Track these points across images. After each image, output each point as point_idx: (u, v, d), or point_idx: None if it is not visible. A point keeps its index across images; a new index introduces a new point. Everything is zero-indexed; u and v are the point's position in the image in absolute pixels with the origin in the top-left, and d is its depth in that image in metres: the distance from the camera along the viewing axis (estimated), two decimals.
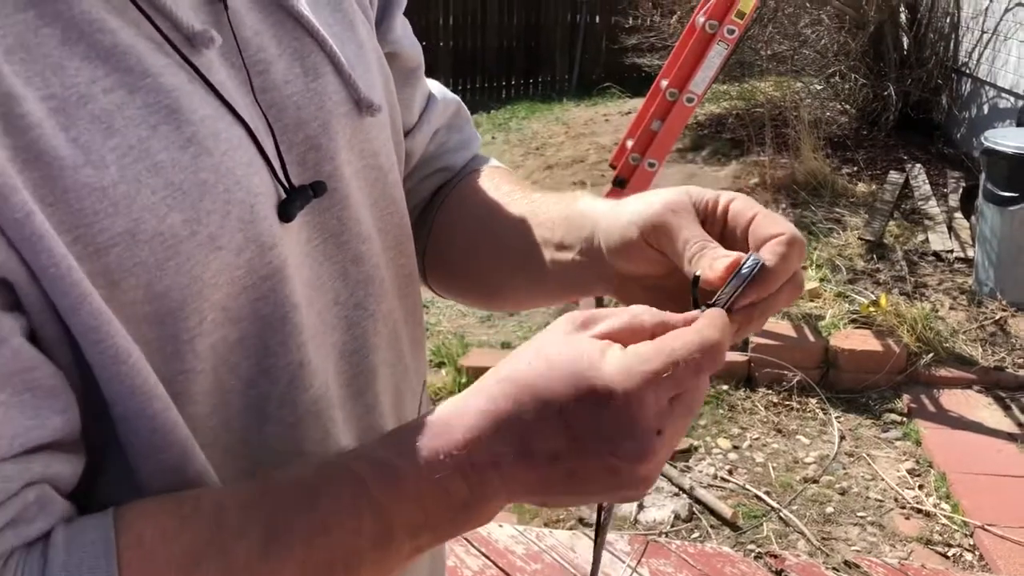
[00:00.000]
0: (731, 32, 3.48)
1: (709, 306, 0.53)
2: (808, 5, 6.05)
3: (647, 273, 0.62)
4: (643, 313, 0.50)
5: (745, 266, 0.53)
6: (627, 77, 8.08)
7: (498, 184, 0.81)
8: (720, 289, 0.53)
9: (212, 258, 0.50)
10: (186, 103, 0.50)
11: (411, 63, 0.78)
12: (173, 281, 0.49)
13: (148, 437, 0.48)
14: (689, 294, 0.55)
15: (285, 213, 0.55)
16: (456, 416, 0.49)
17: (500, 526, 1.99)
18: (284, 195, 0.55)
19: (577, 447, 0.46)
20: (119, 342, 0.46)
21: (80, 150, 0.45)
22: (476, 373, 3.43)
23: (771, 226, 0.56)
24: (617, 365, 0.46)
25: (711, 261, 0.55)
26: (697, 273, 0.55)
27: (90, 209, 0.45)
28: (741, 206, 0.59)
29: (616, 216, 0.63)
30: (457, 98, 0.87)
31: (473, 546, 1.92)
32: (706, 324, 0.49)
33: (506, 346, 3.67)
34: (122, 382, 0.47)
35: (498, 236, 0.76)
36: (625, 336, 0.49)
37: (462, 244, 0.80)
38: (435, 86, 0.84)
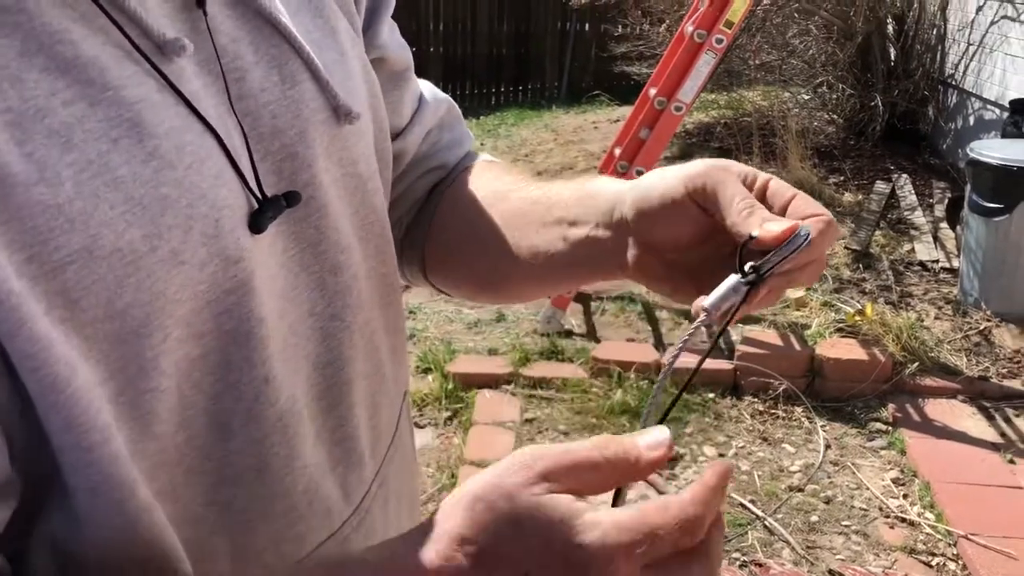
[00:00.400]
0: (719, 42, 3.50)
1: (754, 268, 0.56)
2: (796, 16, 6.09)
3: (676, 240, 0.63)
4: (595, 450, 0.47)
5: (800, 234, 0.56)
6: (616, 85, 8.10)
7: (498, 175, 0.81)
8: (770, 252, 0.56)
9: (175, 273, 0.49)
10: (150, 115, 0.49)
11: (399, 66, 0.78)
12: (134, 298, 0.47)
13: (85, 471, 0.46)
14: (707, 267, 0.59)
15: (256, 225, 0.54)
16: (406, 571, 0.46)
17: None
18: (256, 206, 0.54)
19: None
20: (58, 370, 0.44)
21: (35, 166, 0.44)
22: (463, 379, 3.43)
23: (810, 207, 0.60)
24: (594, 536, 0.43)
25: (769, 223, 0.57)
26: (754, 233, 0.57)
27: (44, 227, 0.44)
28: (780, 186, 0.62)
29: (655, 180, 0.64)
30: (448, 98, 0.87)
31: None
32: (689, 501, 0.45)
33: (493, 352, 3.67)
34: (58, 413, 0.45)
35: (502, 225, 0.76)
36: (584, 479, 0.46)
37: (464, 239, 0.80)
38: (426, 87, 0.84)
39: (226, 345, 0.53)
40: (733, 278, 0.57)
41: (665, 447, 0.48)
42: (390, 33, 0.77)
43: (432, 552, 0.45)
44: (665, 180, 0.63)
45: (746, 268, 0.56)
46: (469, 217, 0.79)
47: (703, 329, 0.57)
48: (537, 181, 0.77)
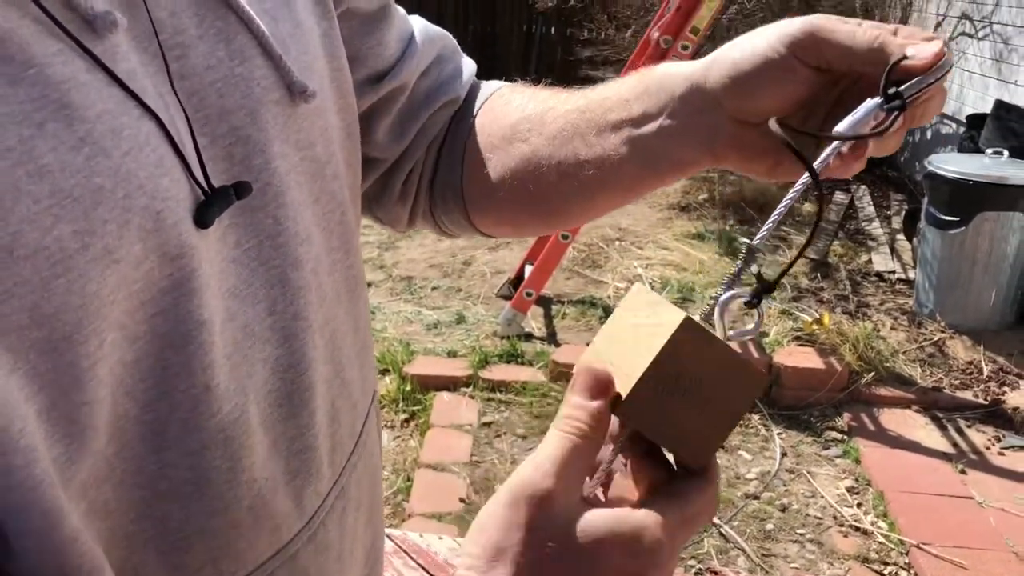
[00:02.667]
0: (685, 48, 3.50)
1: (897, 93, 0.53)
2: (761, 24, 6.13)
3: (780, 106, 0.59)
4: (566, 438, 0.49)
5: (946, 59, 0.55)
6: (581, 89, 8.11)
7: (532, 95, 0.76)
8: (918, 76, 0.54)
9: (109, 273, 0.44)
10: (80, 96, 0.43)
11: (370, 10, 0.73)
12: (64, 301, 0.42)
13: (4, 495, 0.41)
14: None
15: (201, 218, 0.49)
16: None
17: (440, 538, 1.96)
18: (202, 197, 0.50)
19: None
20: None
21: None
22: (421, 381, 3.39)
23: (921, 33, 0.57)
24: (650, 543, 0.47)
25: (919, 45, 0.55)
26: (909, 52, 0.54)
27: None
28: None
29: (744, 46, 0.60)
30: (442, 31, 0.82)
31: (411, 558, 1.88)
32: (694, 499, 0.50)
33: (452, 354, 3.64)
34: None
35: (553, 144, 0.71)
36: (579, 467, 0.49)
37: (511, 169, 0.74)
38: (418, 23, 0.80)
39: (161, 349, 0.48)
40: (871, 102, 0.54)
41: (602, 381, 0.49)
42: None
43: None
44: (756, 44, 0.59)
45: (890, 92, 0.53)
46: (512, 144, 0.74)
47: (829, 162, 0.53)
48: (572, 92, 0.73)
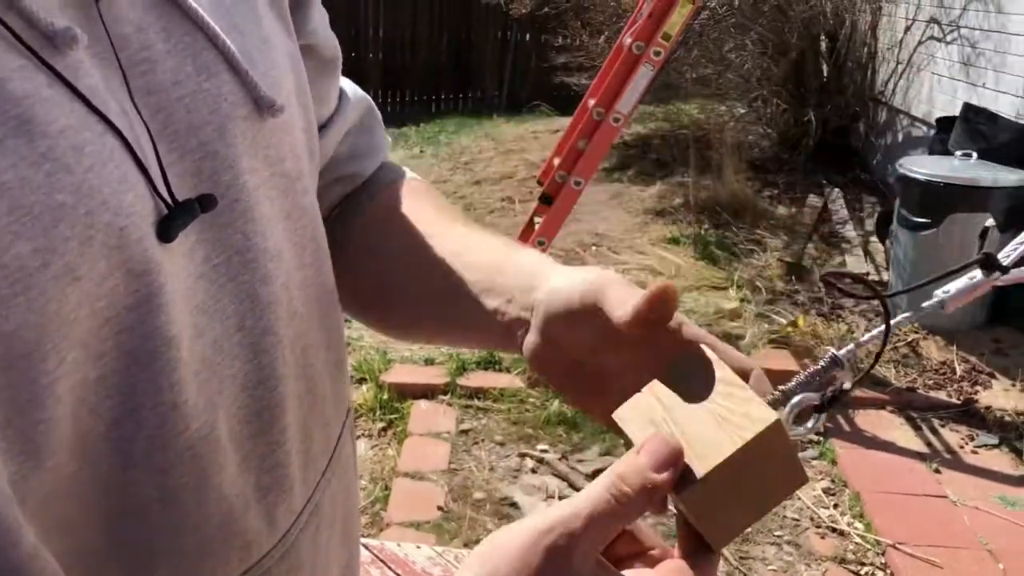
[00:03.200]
0: (657, 54, 3.52)
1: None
2: (733, 31, 6.18)
3: (579, 344, 0.60)
4: (607, 499, 0.47)
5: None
6: (556, 95, 8.13)
7: (422, 207, 0.76)
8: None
9: (70, 291, 0.44)
10: (42, 112, 0.43)
11: (328, 54, 0.73)
12: (23, 319, 0.41)
13: None
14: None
15: (164, 233, 0.49)
16: None
17: (418, 547, 1.95)
18: (166, 212, 0.49)
19: None
20: None
21: None
22: (398, 389, 3.38)
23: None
24: None
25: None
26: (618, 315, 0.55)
27: None
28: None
29: (563, 283, 0.61)
30: (368, 97, 0.82)
31: (389, 568, 1.87)
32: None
33: (429, 362, 3.63)
34: None
35: (419, 270, 0.72)
36: (612, 529, 0.47)
37: (377, 271, 0.76)
38: (347, 84, 0.80)
39: (127, 367, 0.48)
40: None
41: (675, 459, 0.47)
42: (320, 19, 0.72)
43: None
44: (572, 283, 0.60)
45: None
46: (388, 252, 0.75)
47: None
48: (457, 223, 0.74)
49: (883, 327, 0.52)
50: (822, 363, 0.52)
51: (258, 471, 0.57)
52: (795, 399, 0.51)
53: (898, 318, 0.54)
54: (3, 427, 0.42)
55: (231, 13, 0.58)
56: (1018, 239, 0.53)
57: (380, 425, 3.24)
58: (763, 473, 0.48)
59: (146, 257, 0.47)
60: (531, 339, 0.63)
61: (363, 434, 3.21)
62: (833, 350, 0.52)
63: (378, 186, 0.79)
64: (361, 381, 3.46)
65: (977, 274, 0.54)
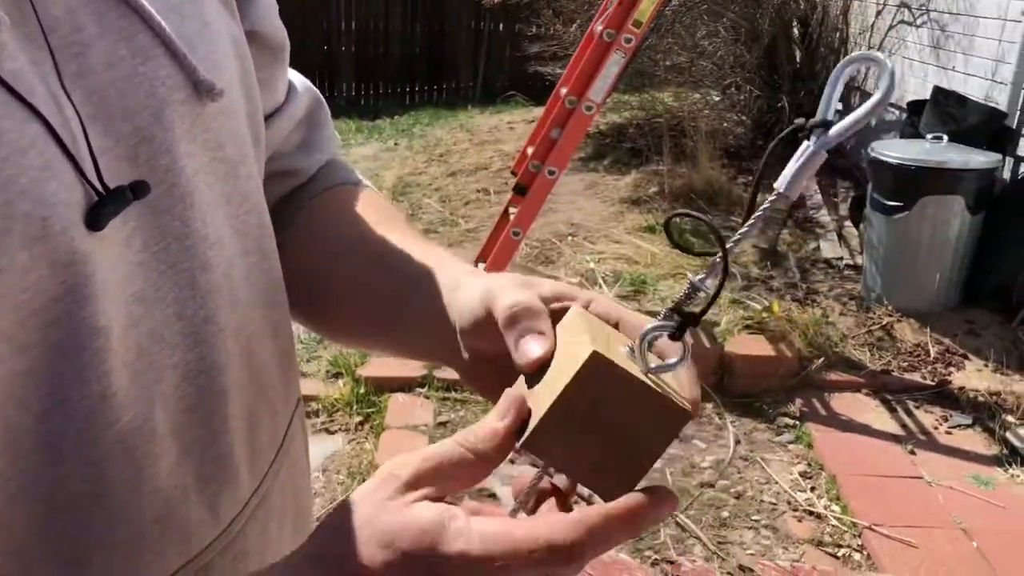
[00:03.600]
0: (628, 41, 3.51)
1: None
2: (705, 17, 6.19)
3: (495, 353, 0.58)
4: (455, 445, 0.48)
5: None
6: (531, 85, 8.11)
7: (366, 211, 0.75)
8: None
9: None
10: None
11: (274, 43, 0.71)
12: None
13: None
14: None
15: (94, 221, 0.47)
16: None
17: None
18: (96, 199, 0.48)
19: None
20: None
21: None
22: (375, 383, 3.37)
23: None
24: (457, 547, 0.44)
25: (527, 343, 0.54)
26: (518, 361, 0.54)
27: None
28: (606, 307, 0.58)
29: (470, 294, 0.60)
30: (317, 91, 0.80)
31: None
32: (570, 525, 0.45)
33: None
34: None
35: (356, 280, 0.71)
36: (455, 475, 0.48)
37: (314, 274, 0.74)
38: (295, 76, 0.78)
39: (55, 359, 0.47)
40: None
41: (517, 406, 0.49)
42: (267, 7, 0.70)
43: None
44: (474, 294, 0.60)
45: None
46: (325, 258, 0.73)
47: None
48: (399, 231, 0.72)
49: (723, 260, 0.51)
50: (681, 295, 0.52)
51: (199, 461, 0.56)
52: (643, 331, 0.51)
53: (736, 236, 0.52)
54: None
55: None
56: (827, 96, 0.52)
57: (357, 419, 3.23)
58: (617, 412, 0.47)
59: (72, 248, 0.46)
60: (458, 359, 0.63)
61: (340, 428, 3.19)
62: (692, 276, 0.52)
63: (324, 183, 0.78)
64: (337, 375, 3.44)
65: (808, 144, 0.52)
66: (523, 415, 0.49)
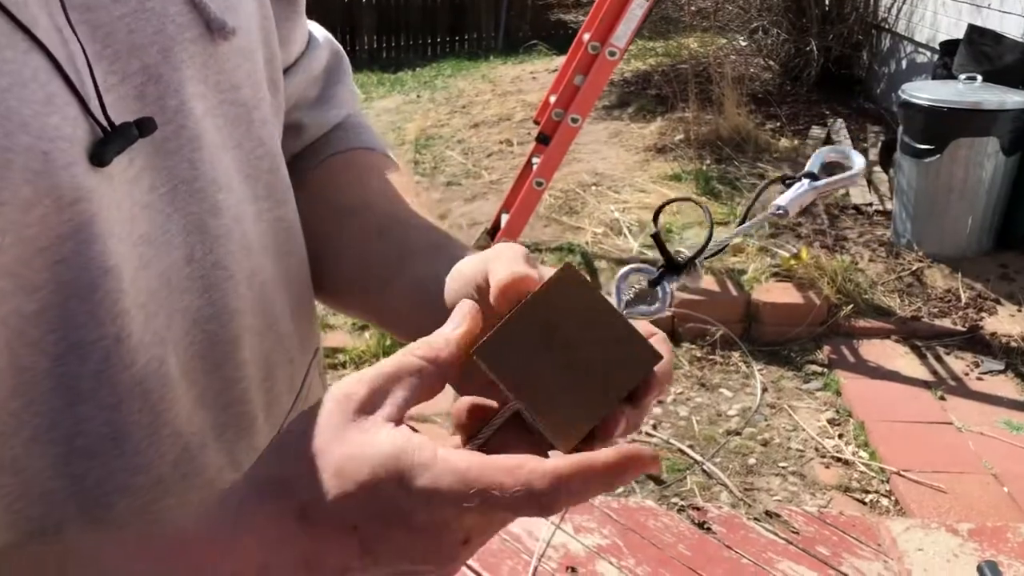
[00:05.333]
0: None
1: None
2: None
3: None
4: (406, 354, 0.45)
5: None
6: (554, 34, 8.01)
7: (373, 182, 0.72)
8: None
9: None
10: None
11: None
12: None
13: None
14: None
15: (98, 157, 0.46)
16: (224, 537, 0.42)
17: None
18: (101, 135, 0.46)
19: (370, 563, 0.42)
20: None
21: None
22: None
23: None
24: (424, 481, 0.39)
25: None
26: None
27: None
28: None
29: (467, 263, 0.57)
30: (339, 45, 0.78)
31: None
32: (548, 471, 0.40)
33: None
34: None
35: (349, 245, 0.68)
36: (411, 388, 0.44)
37: (314, 236, 0.70)
38: (316, 28, 0.76)
39: (66, 299, 0.46)
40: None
41: (472, 313, 0.46)
42: None
43: (257, 508, 0.42)
44: (472, 262, 0.56)
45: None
46: (326, 220, 0.70)
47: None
48: (405, 203, 0.69)
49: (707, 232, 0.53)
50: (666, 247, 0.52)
51: (215, 408, 0.56)
52: (622, 271, 0.50)
53: (736, 230, 0.58)
54: None
55: None
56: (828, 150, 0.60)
57: None
58: (582, 336, 0.44)
59: (76, 184, 0.45)
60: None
61: None
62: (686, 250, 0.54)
63: (338, 146, 0.75)
64: (364, 327, 3.45)
65: (804, 183, 0.57)
66: (478, 325, 0.46)
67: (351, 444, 0.41)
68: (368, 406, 0.42)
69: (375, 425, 0.42)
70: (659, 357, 0.45)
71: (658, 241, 0.52)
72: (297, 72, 0.72)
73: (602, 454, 0.41)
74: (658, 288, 0.51)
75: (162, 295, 0.51)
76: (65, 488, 0.48)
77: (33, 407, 0.46)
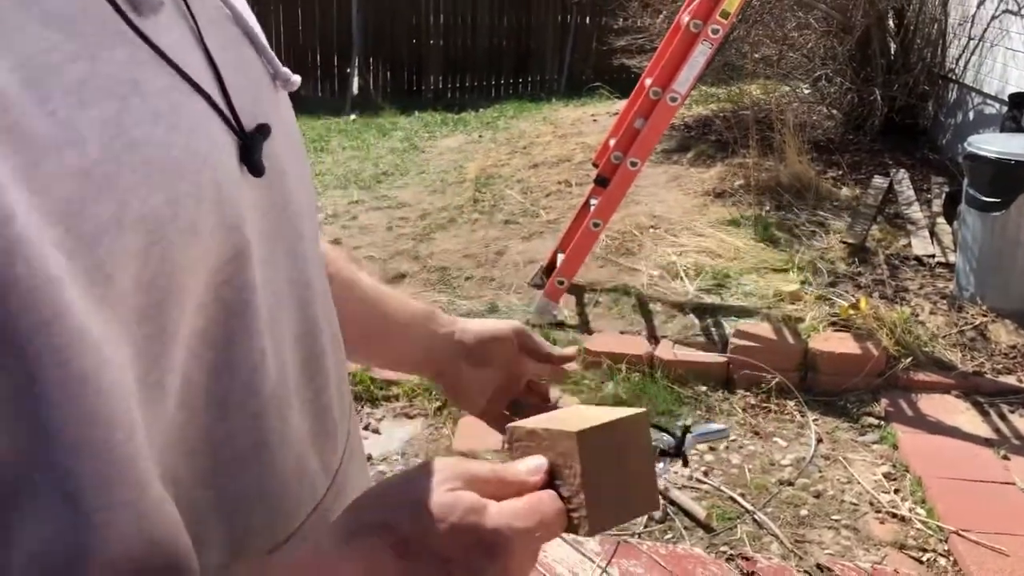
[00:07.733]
0: (715, 31, 3.46)
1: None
2: (795, 8, 6.05)
3: (490, 377, 0.92)
4: (493, 472, 0.55)
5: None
6: (616, 78, 8.06)
7: (331, 255, 0.83)
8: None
9: (193, 243, 0.46)
10: (143, 74, 0.46)
11: None
12: (158, 268, 0.44)
13: (102, 469, 0.41)
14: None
15: (252, 166, 0.53)
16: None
17: None
18: (241, 162, 0.53)
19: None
20: (86, 364, 0.40)
21: (59, 127, 0.40)
22: None
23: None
24: (500, 522, 0.51)
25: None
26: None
27: (76, 195, 0.40)
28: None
29: (485, 323, 0.93)
30: None
31: None
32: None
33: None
34: (80, 406, 0.40)
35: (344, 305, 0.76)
36: (484, 491, 0.53)
37: None
38: None
39: (226, 317, 0.51)
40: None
41: (541, 472, 0.56)
42: None
43: (361, 543, 0.49)
44: (497, 324, 0.92)
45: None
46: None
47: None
48: (362, 275, 0.90)
49: (721, 428, 0.82)
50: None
51: (311, 416, 0.61)
52: (665, 438, 0.73)
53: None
54: (144, 376, 0.44)
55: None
56: None
57: (436, 404, 3.27)
58: (631, 462, 0.57)
59: (237, 213, 0.50)
60: (459, 367, 0.91)
61: (419, 413, 3.24)
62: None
63: None
64: None
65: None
66: (546, 477, 0.56)
67: (446, 496, 0.51)
68: (459, 479, 0.52)
69: (464, 490, 0.52)
70: (658, 503, 0.61)
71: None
72: None
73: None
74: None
75: (277, 312, 0.56)
76: (209, 499, 0.52)
77: (192, 420, 0.50)
